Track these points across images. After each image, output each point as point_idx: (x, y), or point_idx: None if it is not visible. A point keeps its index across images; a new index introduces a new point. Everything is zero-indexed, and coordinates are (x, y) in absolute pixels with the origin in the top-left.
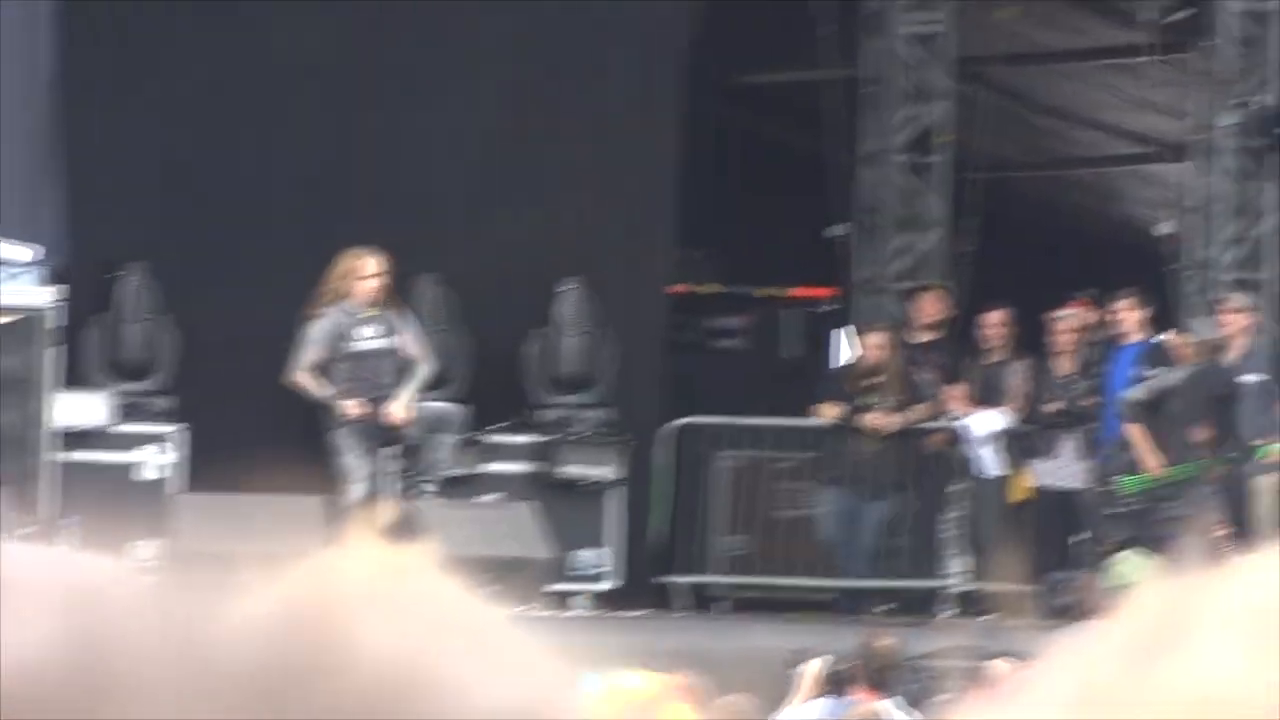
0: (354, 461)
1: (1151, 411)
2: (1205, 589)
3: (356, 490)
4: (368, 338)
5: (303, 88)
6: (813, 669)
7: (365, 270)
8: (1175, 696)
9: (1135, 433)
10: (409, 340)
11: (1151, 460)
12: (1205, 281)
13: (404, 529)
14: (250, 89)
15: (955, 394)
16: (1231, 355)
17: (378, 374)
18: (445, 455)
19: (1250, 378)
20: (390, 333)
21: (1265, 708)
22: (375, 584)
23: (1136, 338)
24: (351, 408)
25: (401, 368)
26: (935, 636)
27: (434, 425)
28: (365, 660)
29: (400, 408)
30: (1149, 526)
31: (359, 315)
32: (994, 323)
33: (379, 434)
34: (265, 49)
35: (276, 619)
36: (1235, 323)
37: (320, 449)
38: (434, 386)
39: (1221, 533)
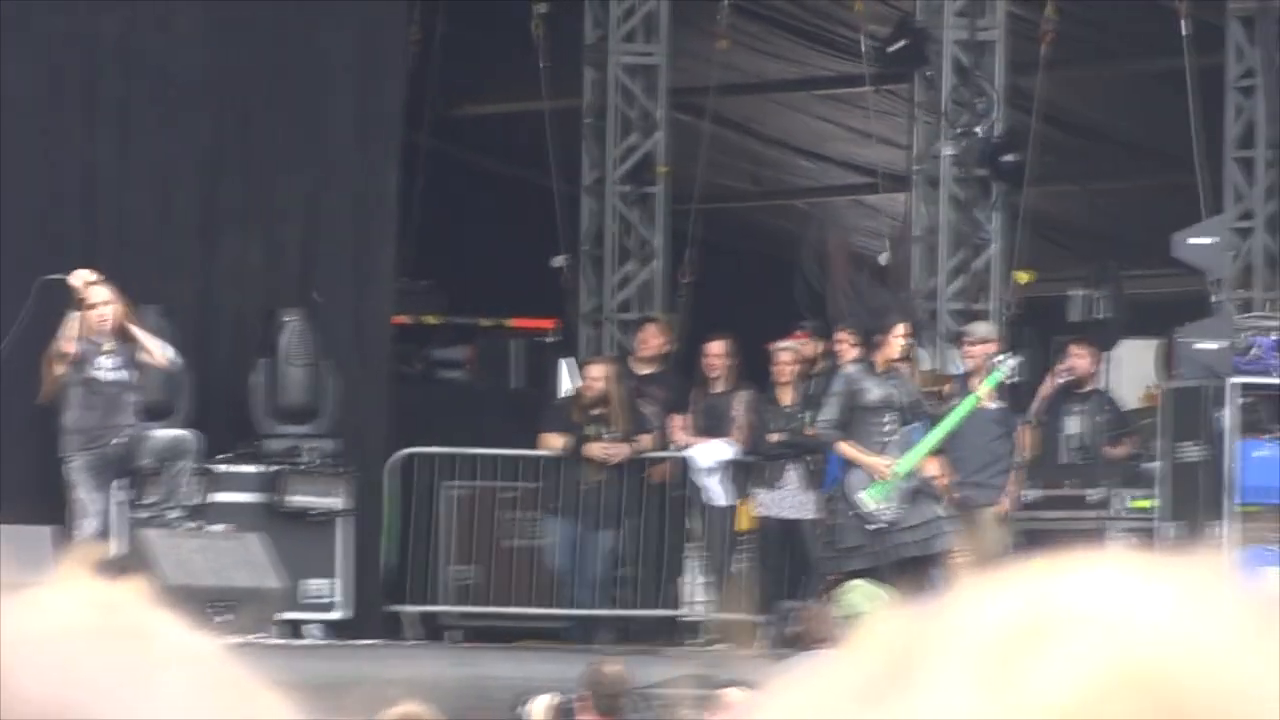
0: (87, 496)
1: (846, 426)
2: (935, 620)
3: (89, 525)
4: (106, 369)
5: (20, 116)
6: (539, 707)
7: (94, 298)
8: None
9: (846, 450)
10: (150, 346)
11: (876, 462)
12: (932, 311)
13: (131, 562)
14: None
15: (679, 424)
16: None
17: (116, 406)
18: (185, 482)
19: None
20: (128, 365)
21: None
22: (76, 618)
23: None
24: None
25: (131, 400)
26: (666, 665)
27: (170, 453)
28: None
29: (153, 347)
30: (882, 555)
31: (98, 345)
32: (716, 353)
33: (115, 467)
34: None
35: None
36: (980, 354)
37: (53, 477)
38: (157, 417)
39: (957, 561)
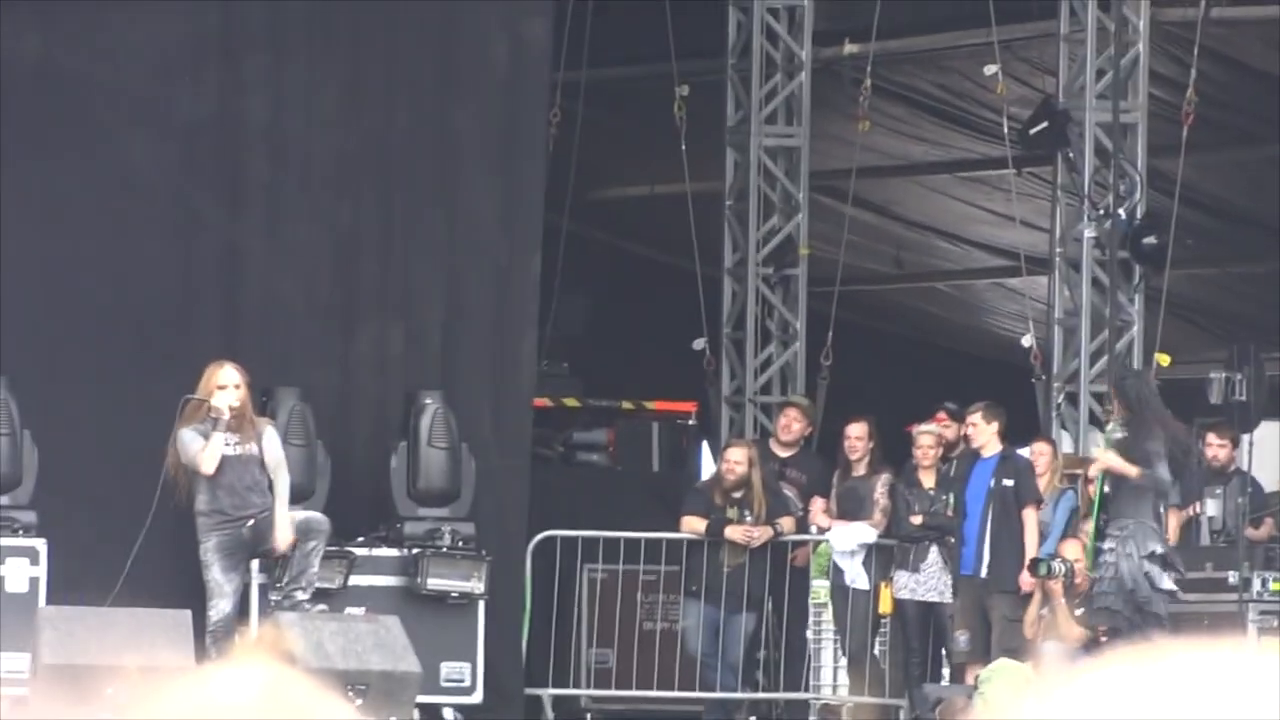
0: (220, 576)
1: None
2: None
3: (222, 605)
4: (230, 445)
5: (152, 198)
6: None
7: (223, 379)
8: None
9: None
10: (269, 449)
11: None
12: (1074, 394)
13: (274, 644)
14: (98, 200)
15: (820, 507)
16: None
17: (241, 482)
18: (315, 563)
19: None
20: (250, 441)
21: None
22: (253, 704)
23: (991, 450)
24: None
25: (261, 478)
26: None
27: (302, 534)
28: None
29: (285, 531)
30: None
31: (220, 425)
32: (857, 435)
33: (247, 547)
34: (111, 158)
35: None
36: None
37: (185, 561)
38: (296, 500)
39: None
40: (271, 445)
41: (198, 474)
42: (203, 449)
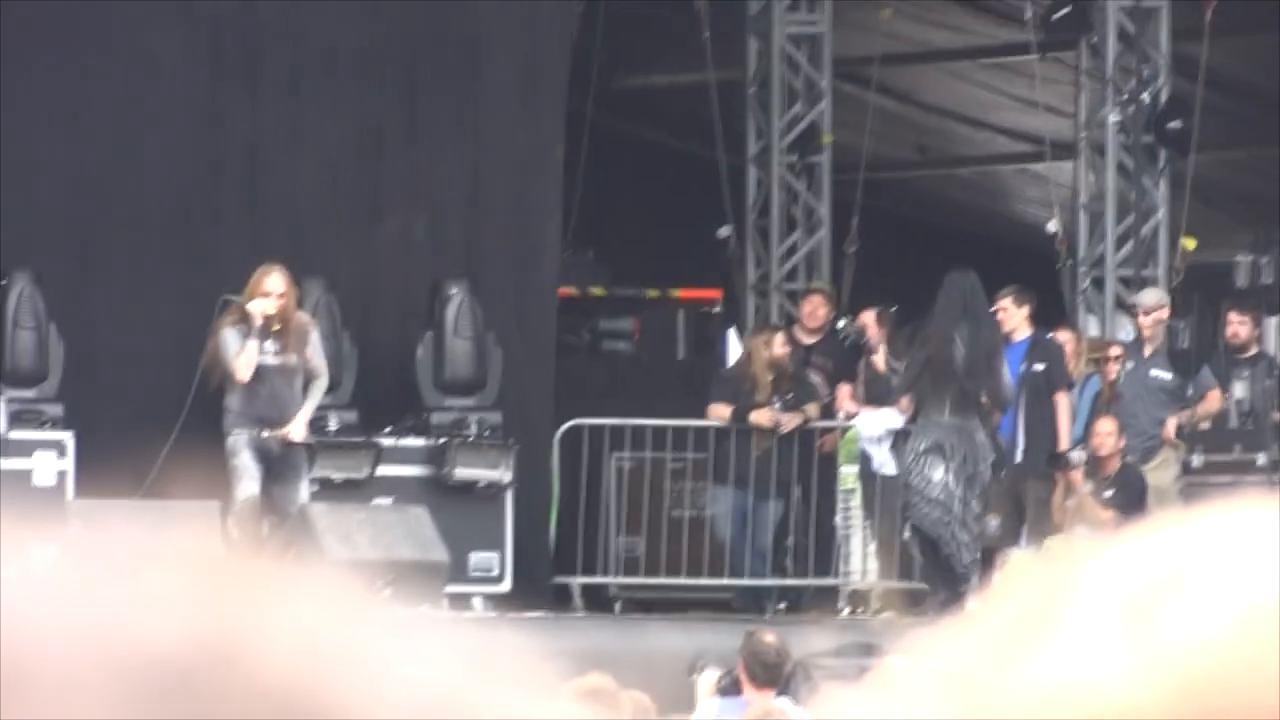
0: (247, 462)
1: None
2: (1076, 579)
3: (250, 486)
4: (269, 353)
5: (174, 90)
6: (708, 680)
7: (268, 286)
8: (1034, 684)
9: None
10: (311, 355)
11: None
12: (1100, 276)
13: (301, 532)
14: (121, 94)
15: (846, 393)
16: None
17: (276, 391)
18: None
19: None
20: (291, 349)
21: (1118, 695)
22: (279, 594)
23: (1022, 334)
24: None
25: (300, 386)
26: (831, 634)
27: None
28: (275, 663)
29: (299, 426)
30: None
31: (255, 331)
32: (868, 322)
33: (275, 448)
34: (132, 52)
35: (191, 624)
36: (1151, 322)
37: (215, 454)
38: (328, 391)
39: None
40: (316, 355)
41: (232, 376)
42: (239, 353)
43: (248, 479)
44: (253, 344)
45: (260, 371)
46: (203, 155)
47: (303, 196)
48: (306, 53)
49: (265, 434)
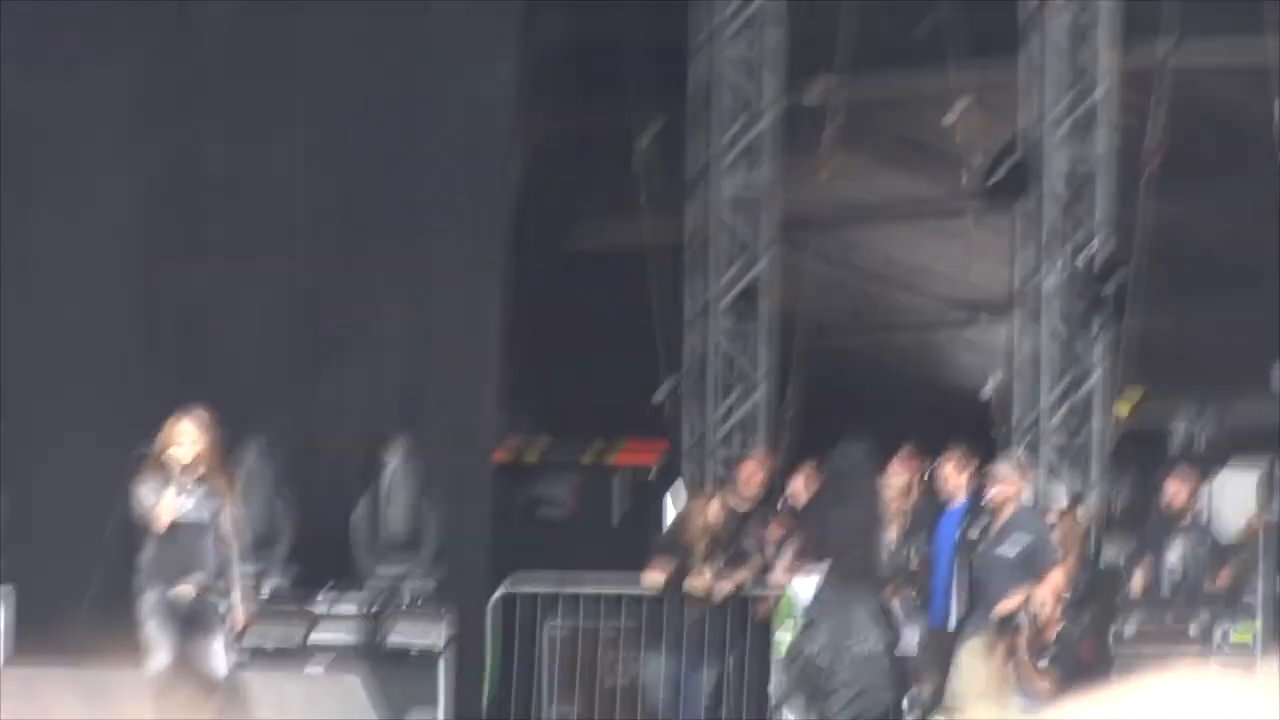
0: (159, 631)
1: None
2: None
3: (159, 659)
4: (186, 505)
5: (120, 245)
6: None
7: (180, 436)
8: None
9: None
10: (225, 518)
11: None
12: (1035, 440)
13: (233, 702)
14: (61, 245)
15: (782, 565)
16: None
17: (189, 545)
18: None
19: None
20: (207, 506)
21: None
22: None
23: (959, 499)
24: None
25: (212, 544)
26: None
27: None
28: None
29: (248, 602)
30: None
31: (177, 484)
32: (798, 485)
33: (180, 615)
34: (75, 201)
35: None
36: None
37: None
38: (260, 549)
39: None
40: (228, 520)
41: (149, 529)
42: (155, 504)
43: (157, 649)
44: (169, 493)
45: (174, 525)
46: (139, 312)
47: (241, 355)
48: (247, 210)
49: (176, 590)
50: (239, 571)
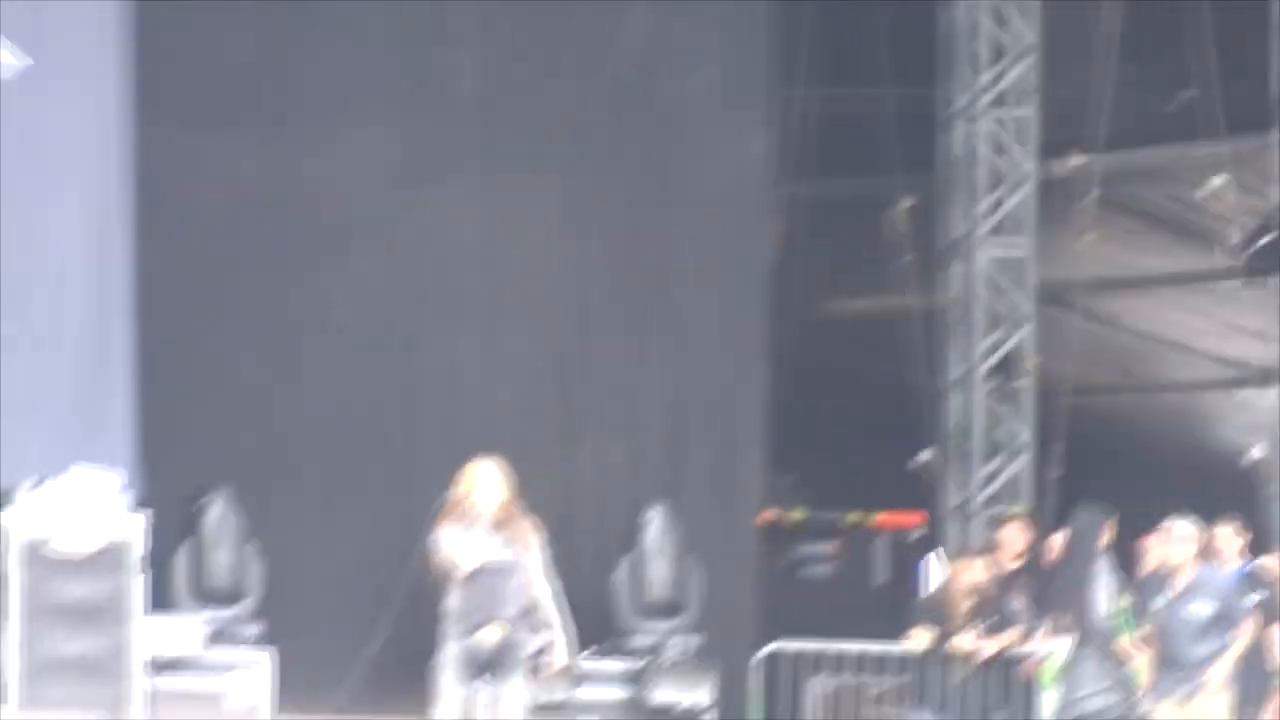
0: (450, 682)
1: None
2: None
3: (444, 713)
4: (488, 554)
5: (380, 316)
6: None
7: (481, 481)
8: None
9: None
10: (533, 561)
11: None
12: None
13: None
14: (328, 317)
15: (1046, 629)
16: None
17: (495, 593)
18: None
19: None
20: (509, 550)
21: None
22: None
23: (1234, 564)
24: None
25: (519, 587)
26: None
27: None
28: None
29: (562, 653)
30: None
31: (478, 530)
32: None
33: (484, 658)
34: (336, 276)
35: None
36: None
37: (413, 671)
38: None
39: None
40: (538, 555)
41: (452, 574)
42: (458, 550)
43: (446, 701)
44: (473, 536)
45: (479, 570)
46: (398, 378)
47: (499, 419)
48: (504, 278)
49: (479, 635)
50: (554, 614)
